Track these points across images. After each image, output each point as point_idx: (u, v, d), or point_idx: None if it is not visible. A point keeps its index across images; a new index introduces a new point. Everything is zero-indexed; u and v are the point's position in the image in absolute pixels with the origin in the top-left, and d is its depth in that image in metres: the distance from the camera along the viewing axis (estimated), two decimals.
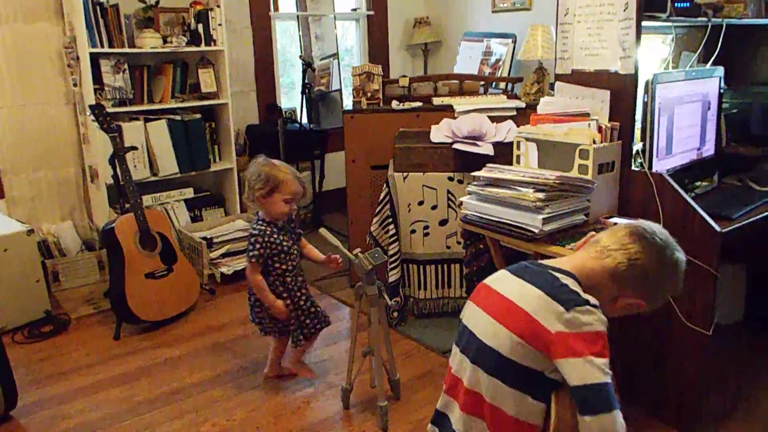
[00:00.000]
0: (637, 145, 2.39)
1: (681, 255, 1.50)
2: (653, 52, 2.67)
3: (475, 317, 1.41)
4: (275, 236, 2.48)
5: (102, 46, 3.58)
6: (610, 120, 2.38)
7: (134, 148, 3.50)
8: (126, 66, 3.73)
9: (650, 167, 2.31)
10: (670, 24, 2.41)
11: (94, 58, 3.58)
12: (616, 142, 2.35)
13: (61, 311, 3.39)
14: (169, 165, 3.88)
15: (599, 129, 2.32)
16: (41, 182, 3.83)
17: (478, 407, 1.38)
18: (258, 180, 2.43)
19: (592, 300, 1.29)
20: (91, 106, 3.23)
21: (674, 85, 2.41)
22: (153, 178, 3.84)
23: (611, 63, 2.35)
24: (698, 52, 2.68)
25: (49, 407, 2.56)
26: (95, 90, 3.59)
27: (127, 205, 3.27)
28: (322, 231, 2.46)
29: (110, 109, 3.55)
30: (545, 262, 1.45)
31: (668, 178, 2.26)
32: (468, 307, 1.53)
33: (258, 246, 2.45)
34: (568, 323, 1.24)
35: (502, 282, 1.41)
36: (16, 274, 3.18)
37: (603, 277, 1.39)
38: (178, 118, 3.93)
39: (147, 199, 3.84)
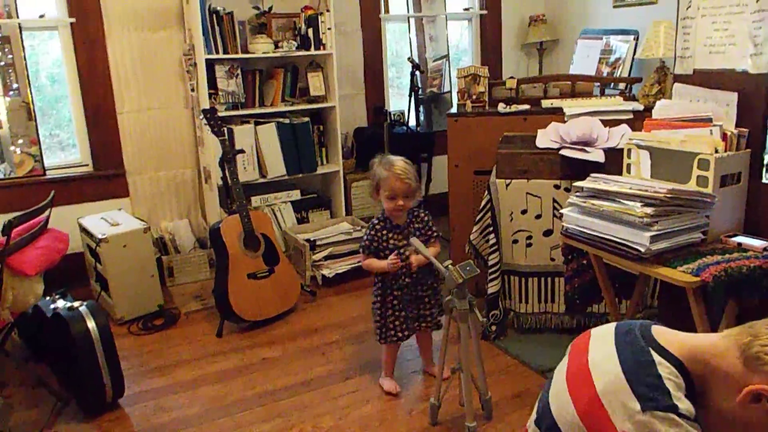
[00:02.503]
0: None
1: None
2: None
3: (560, 371, 1.16)
4: (384, 232, 2.53)
5: (217, 53, 3.73)
6: (736, 126, 2.12)
7: (242, 151, 3.61)
8: (239, 71, 3.86)
9: None
10: None
11: (210, 64, 3.73)
12: (743, 150, 2.09)
13: (172, 306, 3.57)
14: (277, 167, 3.97)
15: (723, 136, 2.07)
16: (161, 182, 4.06)
17: None
18: (371, 178, 2.54)
19: (684, 408, 0.96)
20: (203, 110, 3.36)
21: None
22: (261, 180, 3.95)
23: (739, 61, 2.09)
24: None
25: (152, 399, 2.68)
26: (210, 94, 3.74)
27: (234, 206, 3.37)
28: (413, 240, 2.39)
29: (223, 113, 3.69)
30: (664, 332, 1.09)
31: None
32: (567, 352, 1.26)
33: (366, 239, 2.54)
34: (638, 426, 0.95)
35: (600, 340, 1.13)
36: (133, 269, 3.38)
37: (725, 359, 1.00)
38: (287, 121, 4.02)
39: (255, 200, 3.95)
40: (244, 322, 3.27)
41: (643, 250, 1.89)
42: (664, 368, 1.00)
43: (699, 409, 1.00)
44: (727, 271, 1.81)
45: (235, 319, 3.25)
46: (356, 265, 3.73)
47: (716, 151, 2.02)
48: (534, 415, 1.20)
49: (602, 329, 1.16)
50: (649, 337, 1.05)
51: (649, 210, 1.87)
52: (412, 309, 2.61)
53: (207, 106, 3.59)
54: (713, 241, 2.04)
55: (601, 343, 1.10)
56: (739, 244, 2.00)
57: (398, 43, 5.11)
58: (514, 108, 3.32)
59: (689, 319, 1.88)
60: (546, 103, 3.35)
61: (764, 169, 2.12)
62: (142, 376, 2.87)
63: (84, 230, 3.49)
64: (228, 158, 3.33)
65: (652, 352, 1.02)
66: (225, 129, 3.36)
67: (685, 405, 0.96)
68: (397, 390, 2.65)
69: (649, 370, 1.00)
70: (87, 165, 3.90)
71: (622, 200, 1.96)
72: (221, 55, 3.74)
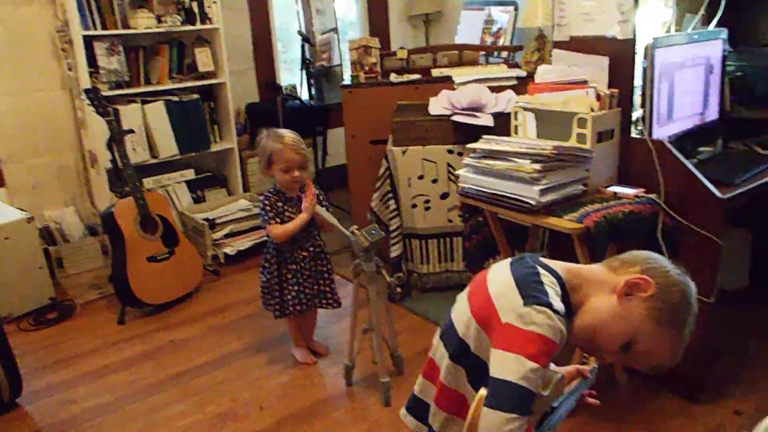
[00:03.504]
0: (638, 112, 2.33)
1: (691, 327, 1.19)
2: (654, 16, 2.59)
3: (462, 293, 1.34)
4: (279, 204, 2.50)
5: (95, 28, 3.53)
6: (609, 87, 2.32)
7: (131, 132, 3.48)
8: (121, 48, 3.69)
9: (650, 134, 2.26)
10: None
11: (88, 41, 3.53)
12: (615, 109, 2.29)
13: (66, 297, 3.41)
14: (168, 147, 3.86)
15: (598, 97, 2.26)
16: (41, 169, 3.83)
17: (434, 377, 1.35)
18: (259, 153, 2.50)
19: (557, 306, 1.14)
20: (85, 90, 3.20)
21: (675, 48, 2.34)
22: (153, 161, 3.83)
23: (609, 28, 2.28)
24: (700, 13, 2.60)
25: (56, 393, 2.58)
26: (90, 73, 3.56)
27: (126, 189, 3.25)
28: (317, 208, 2.44)
29: (106, 93, 3.52)
30: (549, 260, 1.28)
31: (669, 144, 2.21)
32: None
33: (263, 209, 2.50)
34: (519, 317, 1.13)
35: (498, 265, 1.32)
36: (18, 261, 3.19)
37: (601, 270, 1.24)
38: (176, 99, 3.90)
39: (148, 182, 3.83)
40: (147, 307, 3.20)
41: (533, 203, 2.05)
42: (546, 278, 1.20)
43: (571, 316, 1.22)
44: (606, 217, 2.01)
45: (138, 305, 3.17)
46: (258, 240, 3.73)
47: (592, 111, 2.20)
48: (439, 331, 1.36)
49: (501, 261, 1.35)
50: (536, 260, 1.26)
51: (537, 166, 2.03)
52: (311, 284, 2.61)
53: (88, 86, 3.41)
54: (593, 192, 2.24)
55: (499, 267, 1.28)
56: (615, 193, 2.21)
57: (285, 18, 5.06)
58: (406, 78, 3.42)
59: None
60: (436, 73, 3.47)
61: (633, 126, 2.35)
62: (41, 371, 2.75)
63: None
64: (116, 139, 3.21)
65: (539, 267, 1.22)
66: (110, 109, 3.23)
67: (558, 305, 1.16)
68: (311, 360, 2.70)
69: (534, 278, 1.19)
70: None
71: (512, 158, 2.11)
72: (100, 31, 3.55)
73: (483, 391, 1.15)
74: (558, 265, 1.27)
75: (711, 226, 2.10)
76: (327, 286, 2.64)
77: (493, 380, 1.14)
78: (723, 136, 2.64)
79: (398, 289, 3.15)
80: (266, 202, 2.50)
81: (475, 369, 1.24)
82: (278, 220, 2.49)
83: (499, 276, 1.24)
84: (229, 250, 3.74)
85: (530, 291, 1.16)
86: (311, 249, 2.57)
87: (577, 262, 2.05)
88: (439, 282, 3.24)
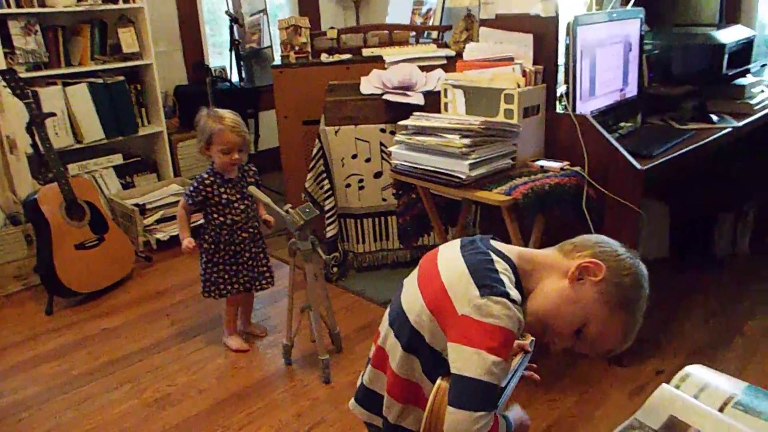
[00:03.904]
0: (562, 88, 2.41)
1: (643, 307, 1.20)
2: None
3: (411, 278, 1.30)
4: (215, 186, 2.47)
5: (8, 6, 3.36)
6: (534, 64, 2.39)
7: (52, 114, 3.34)
8: (38, 27, 3.52)
9: (574, 109, 2.35)
10: None
11: (2, 20, 3.36)
12: (540, 85, 2.37)
13: None
14: (93, 131, 3.72)
15: (523, 73, 2.33)
16: None
17: (384, 366, 1.30)
18: (199, 132, 2.45)
19: (514, 294, 1.13)
20: (1, 72, 3.04)
21: (595, 27, 2.43)
22: (77, 146, 3.68)
23: (532, 6, 2.35)
24: None
25: None
26: (5, 54, 3.38)
27: (49, 175, 3.13)
28: (251, 189, 2.42)
29: (24, 74, 3.36)
30: (500, 243, 1.26)
31: (591, 119, 2.30)
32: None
33: (191, 189, 2.47)
34: (476, 309, 1.10)
35: (447, 249, 1.28)
36: None
37: (553, 254, 1.22)
38: (100, 81, 3.76)
39: (73, 168, 3.69)
40: (76, 296, 3.10)
41: (464, 177, 2.10)
42: (500, 265, 1.17)
43: (524, 300, 1.19)
44: (533, 189, 2.08)
45: (66, 294, 3.07)
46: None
47: (518, 87, 2.27)
48: (386, 318, 1.32)
49: (449, 243, 1.31)
50: (488, 244, 1.23)
51: (466, 141, 2.08)
52: (251, 266, 2.59)
53: (4, 68, 3.25)
54: (521, 166, 2.32)
55: (449, 251, 1.25)
56: (542, 166, 2.29)
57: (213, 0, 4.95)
58: (336, 57, 3.41)
59: (507, 240, 2.14)
60: (367, 52, 3.48)
61: (558, 101, 2.43)
62: None
63: None
64: (36, 123, 3.07)
65: (491, 253, 1.19)
66: (29, 91, 3.08)
67: (514, 293, 1.14)
68: (245, 348, 2.66)
69: (487, 266, 1.16)
70: None
71: (442, 134, 2.15)
72: (14, 9, 3.37)
73: (441, 382, 1.13)
74: (510, 249, 1.24)
75: (631, 196, 2.21)
76: (265, 266, 2.63)
77: (455, 378, 1.10)
78: (642, 111, 2.77)
79: (334, 269, 3.17)
80: (199, 184, 2.46)
81: (430, 359, 1.21)
82: (206, 204, 2.48)
83: (451, 262, 1.21)
84: (161, 236, 3.66)
85: (485, 280, 1.13)
86: (251, 230, 2.56)
87: (507, 234, 2.12)
88: (374, 260, 3.28)
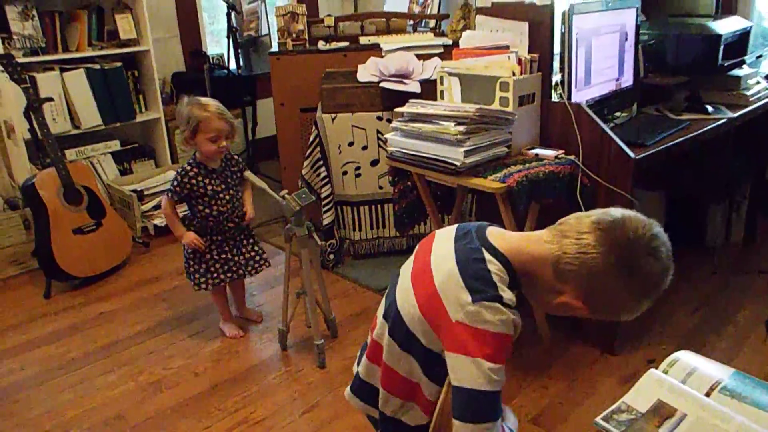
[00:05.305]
0: (557, 77, 2.42)
1: (655, 265, 1.19)
2: None
3: (406, 268, 1.29)
4: (199, 178, 2.43)
5: None
6: (529, 52, 2.40)
7: (49, 99, 3.34)
8: (35, 12, 3.52)
9: (569, 98, 2.36)
10: None
11: None
12: (535, 74, 2.38)
13: None
14: (91, 117, 3.72)
15: (519, 61, 2.34)
16: None
17: (378, 359, 1.31)
18: (182, 121, 2.39)
19: (507, 297, 1.11)
20: None
21: (591, 15, 2.43)
22: (75, 131, 3.69)
23: None
24: None
25: None
26: (3, 39, 3.39)
27: (47, 160, 3.14)
28: (248, 174, 2.43)
29: (21, 59, 3.36)
30: (495, 233, 1.23)
31: (586, 108, 2.31)
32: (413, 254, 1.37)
33: (175, 183, 2.44)
34: (469, 315, 1.09)
35: (442, 240, 1.25)
36: None
37: (543, 265, 1.14)
38: (98, 67, 3.76)
39: (70, 154, 3.70)
40: (74, 280, 3.12)
41: (458, 164, 2.11)
42: (493, 265, 1.15)
43: (522, 289, 1.20)
44: (527, 177, 2.10)
45: (64, 278, 3.09)
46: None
47: (514, 75, 2.28)
48: (382, 309, 1.32)
49: (446, 230, 1.29)
50: (483, 238, 1.20)
51: (461, 128, 2.09)
52: (238, 254, 2.57)
53: (1, 52, 3.25)
54: (516, 154, 2.33)
55: (443, 243, 1.24)
56: (537, 154, 2.31)
57: None
58: (334, 45, 3.42)
59: (501, 226, 2.15)
60: (364, 40, 3.49)
61: (553, 90, 2.44)
62: None
63: None
64: (34, 108, 3.08)
65: (484, 251, 1.17)
66: (26, 76, 3.09)
67: (508, 295, 1.12)
68: (240, 334, 2.66)
69: (479, 266, 1.15)
70: None
71: (438, 121, 2.17)
72: None
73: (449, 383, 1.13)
74: (504, 240, 1.21)
75: (624, 184, 2.22)
76: (253, 250, 2.63)
77: (456, 390, 1.10)
78: (637, 101, 2.79)
79: (331, 256, 3.19)
80: (182, 177, 2.42)
81: (427, 358, 1.21)
82: (192, 197, 2.46)
83: (444, 263, 1.19)
84: (158, 222, 3.67)
85: (477, 285, 1.12)
86: (237, 220, 2.55)
87: (501, 221, 2.14)
88: (371, 248, 3.29)
